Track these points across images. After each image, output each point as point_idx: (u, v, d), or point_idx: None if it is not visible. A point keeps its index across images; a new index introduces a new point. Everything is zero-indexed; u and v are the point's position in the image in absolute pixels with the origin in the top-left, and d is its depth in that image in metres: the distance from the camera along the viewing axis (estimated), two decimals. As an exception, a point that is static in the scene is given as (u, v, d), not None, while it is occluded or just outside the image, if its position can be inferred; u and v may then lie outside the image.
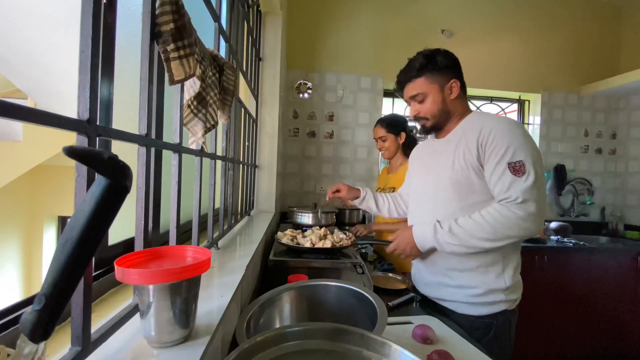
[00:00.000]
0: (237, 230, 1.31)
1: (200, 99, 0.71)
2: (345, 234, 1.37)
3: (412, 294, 1.09)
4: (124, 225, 0.72)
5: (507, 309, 0.97)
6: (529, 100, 2.97)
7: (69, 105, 0.79)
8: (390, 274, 1.32)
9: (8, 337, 0.44)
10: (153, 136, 0.56)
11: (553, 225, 2.59)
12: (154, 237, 0.56)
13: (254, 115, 1.76)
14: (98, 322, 0.44)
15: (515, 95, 2.94)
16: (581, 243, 2.35)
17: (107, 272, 0.65)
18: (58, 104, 1.62)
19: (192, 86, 0.71)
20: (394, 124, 1.68)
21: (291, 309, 0.77)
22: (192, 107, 0.70)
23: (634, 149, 2.86)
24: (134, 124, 0.54)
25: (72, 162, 0.30)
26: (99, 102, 0.40)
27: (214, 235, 0.95)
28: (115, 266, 0.43)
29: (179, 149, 0.67)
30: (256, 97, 1.84)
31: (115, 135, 0.45)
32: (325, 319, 0.75)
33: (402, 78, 1.05)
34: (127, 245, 0.74)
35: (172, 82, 0.56)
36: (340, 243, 1.28)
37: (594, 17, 2.93)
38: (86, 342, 0.38)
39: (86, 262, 0.28)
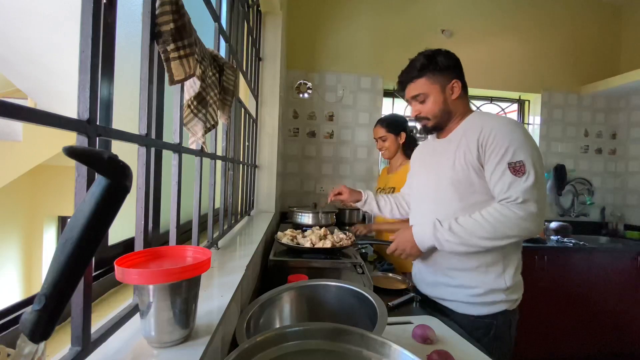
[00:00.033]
0: (237, 230, 1.31)
1: (200, 99, 0.71)
2: (345, 234, 1.37)
3: (412, 294, 1.09)
4: (124, 225, 0.72)
5: (508, 309, 0.97)
6: (529, 100, 2.97)
7: (69, 105, 0.79)
8: (390, 274, 1.32)
9: (8, 337, 0.44)
10: (153, 136, 0.56)
11: (553, 225, 2.59)
12: (154, 237, 0.56)
13: (254, 115, 1.76)
14: (98, 322, 0.44)
15: (515, 95, 2.94)
16: (581, 243, 2.35)
17: (107, 272, 0.65)
18: (58, 104, 1.62)
19: (192, 86, 0.71)
20: (394, 124, 1.68)
21: (291, 309, 0.77)
22: (192, 107, 0.70)
23: (634, 149, 2.86)
24: (134, 124, 0.54)
25: (72, 162, 0.30)
26: (99, 102, 0.40)
27: (214, 235, 0.95)
28: (115, 266, 0.43)
29: (179, 149, 0.67)
30: (256, 97, 1.84)
31: (115, 135, 0.45)
32: (325, 319, 0.75)
33: (404, 78, 1.06)
34: (127, 245, 0.74)
35: (172, 82, 0.56)
36: (340, 243, 1.28)
37: (594, 17, 2.93)
38: (86, 342, 0.38)
39: (86, 262, 0.28)
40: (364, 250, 1.61)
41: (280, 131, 2.10)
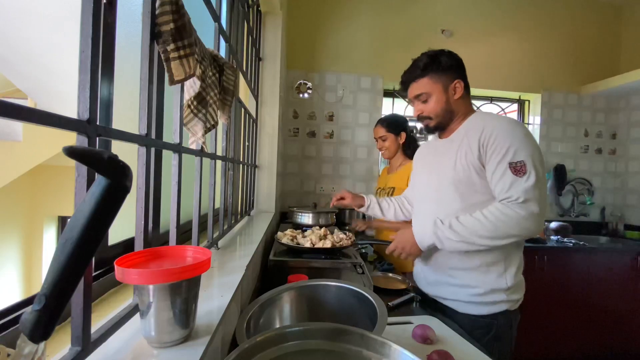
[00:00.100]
0: (237, 230, 1.31)
1: (200, 99, 0.71)
2: (345, 234, 1.37)
3: (412, 294, 1.09)
4: (124, 225, 0.72)
5: (509, 309, 0.97)
6: (529, 100, 2.97)
7: (69, 105, 0.79)
8: (390, 274, 1.32)
9: (8, 337, 0.44)
10: (153, 136, 0.56)
11: (553, 225, 2.59)
12: (154, 237, 0.56)
13: (254, 115, 1.76)
14: (98, 322, 0.44)
15: (515, 95, 2.94)
16: (581, 243, 2.35)
17: (107, 272, 0.65)
18: (58, 104, 1.62)
19: (192, 86, 0.71)
20: (394, 123, 1.68)
21: (291, 309, 0.77)
22: (192, 107, 0.70)
23: (634, 149, 2.86)
24: (134, 124, 0.54)
25: (72, 162, 0.30)
26: (99, 102, 0.40)
27: (214, 235, 0.95)
28: (115, 266, 0.43)
29: (179, 149, 0.67)
30: (256, 97, 1.84)
31: (115, 135, 0.45)
32: (325, 319, 0.75)
33: (406, 78, 1.06)
34: (127, 245, 0.73)
35: (172, 82, 0.56)
36: (340, 243, 1.28)
37: (594, 17, 2.93)
38: (86, 342, 0.38)
39: (86, 262, 0.28)
40: (364, 250, 1.61)
41: (280, 131, 2.10)
